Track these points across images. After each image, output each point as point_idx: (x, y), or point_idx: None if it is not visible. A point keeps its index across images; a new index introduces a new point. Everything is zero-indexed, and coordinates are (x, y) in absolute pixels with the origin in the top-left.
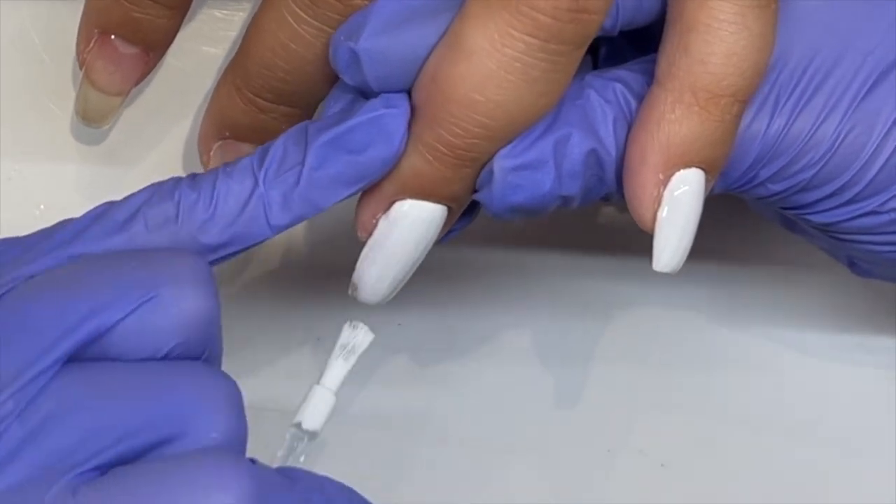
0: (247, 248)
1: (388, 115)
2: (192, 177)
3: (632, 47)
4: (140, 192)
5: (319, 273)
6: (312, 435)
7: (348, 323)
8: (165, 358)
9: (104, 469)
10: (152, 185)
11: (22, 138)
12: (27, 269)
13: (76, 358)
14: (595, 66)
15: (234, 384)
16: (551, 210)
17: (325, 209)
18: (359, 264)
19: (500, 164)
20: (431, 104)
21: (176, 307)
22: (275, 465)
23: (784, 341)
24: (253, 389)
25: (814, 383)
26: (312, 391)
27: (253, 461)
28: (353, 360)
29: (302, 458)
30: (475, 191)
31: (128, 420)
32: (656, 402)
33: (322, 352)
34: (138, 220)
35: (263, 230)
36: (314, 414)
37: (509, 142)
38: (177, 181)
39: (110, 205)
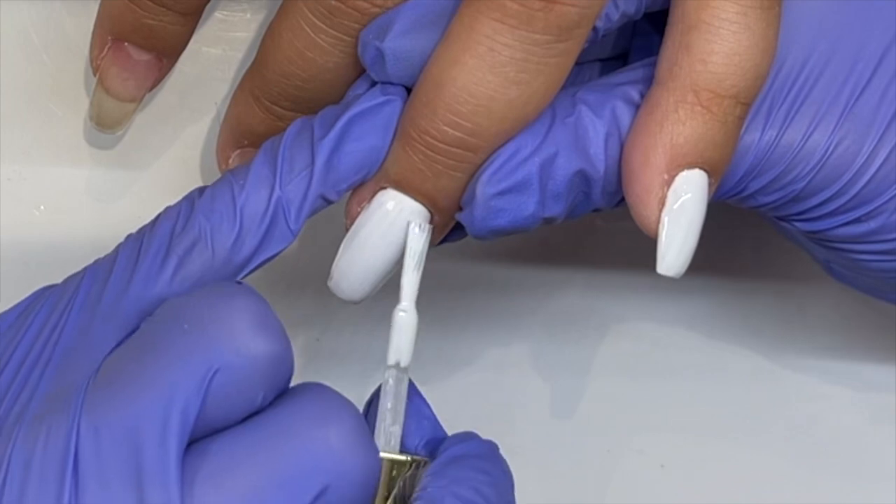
0: (272, 258)
1: (386, 102)
2: (206, 194)
3: (660, 35)
4: (160, 221)
5: (317, 273)
6: (407, 370)
7: (412, 224)
8: (261, 405)
9: None
10: (169, 212)
11: (21, 139)
12: (95, 348)
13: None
14: (626, 55)
15: (349, 403)
16: (533, 229)
17: (333, 202)
18: (337, 257)
19: (482, 189)
20: (414, 89)
21: (248, 366)
22: (387, 417)
23: (778, 354)
24: None
25: (810, 393)
26: (397, 319)
27: None
28: (423, 265)
29: (406, 400)
30: (459, 207)
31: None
32: (655, 407)
33: (321, 353)
34: (171, 257)
35: (286, 235)
36: (407, 346)
37: (483, 139)
38: (190, 202)
39: (137, 242)
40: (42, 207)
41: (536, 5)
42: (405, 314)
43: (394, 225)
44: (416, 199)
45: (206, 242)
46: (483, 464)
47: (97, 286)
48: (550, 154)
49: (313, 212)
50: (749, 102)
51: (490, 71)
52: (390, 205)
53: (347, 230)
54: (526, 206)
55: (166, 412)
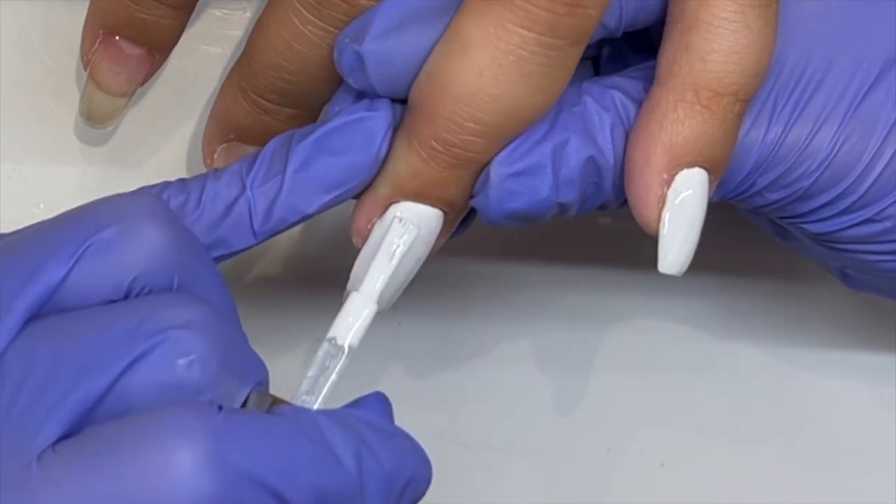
0: (231, 254)
1: (369, 117)
2: (182, 180)
3: (633, 51)
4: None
5: (318, 275)
6: (348, 350)
7: (397, 217)
8: (129, 296)
9: (76, 417)
10: (140, 189)
11: (22, 138)
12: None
13: (39, 315)
14: (597, 70)
15: (204, 305)
16: (548, 218)
17: (309, 215)
18: (353, 272)
19: (496, 169)
20: (427, 100)
21: (121, 240)
22: (303, 384)
23: (780, 352)
24: None
25: (809, 391)
26: (349, 299)
27: (221, 408)
28: (396, 261)
29: (333, 377)
30: (471, 196)
31: (82, 359)
32: (655, 406)
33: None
34: None
35: (248, 236)
36: (351, 326)
37: (504, 141)
38: (166, 184)
39: None
40: (41, 206)
41: (561, 10)
42: (360, 296)
43: (417, 236)
44: (435, 206)
45: None
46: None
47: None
48: (562, 140)
49: (285, 222)
50: (748, 99)
51: (520, 81)
52: (406, 216)
53: (359, 247)
54: (540, 189)
55: (29, 271)
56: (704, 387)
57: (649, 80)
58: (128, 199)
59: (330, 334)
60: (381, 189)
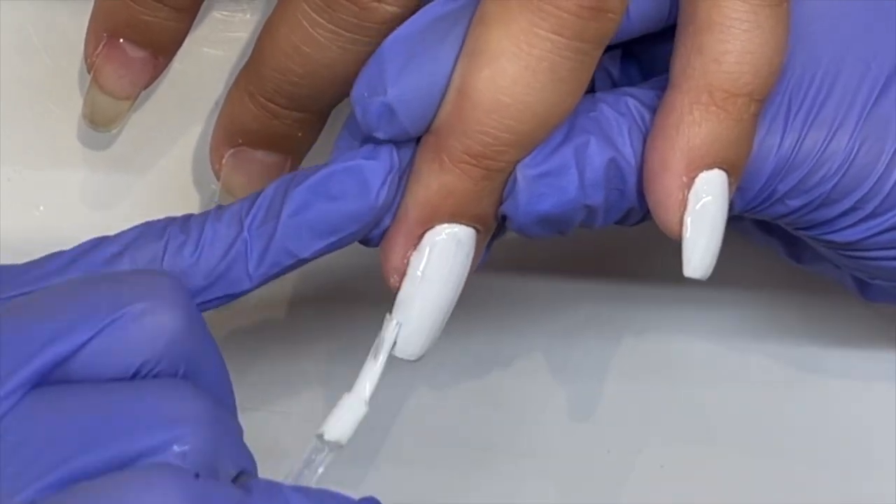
0: (227, 299)
1: (366, 165)
2: (185, 218)
3: (622, 75)
4: (132, 229)
5: (337, 293)
6: (335, 446)
7: (388, 314)
8: (135, 377)
9: (64, 485)
10: (145, 224)
11: (22, 139)
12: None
13: (45, 382)
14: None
15: (206, 400)
16: (575, 224)
17: (304, 260)
18: (394, 313)
19: (523, 172)
20: (457, 116)
21: (139, 323)
22: (289, 479)
23: (784, 356)
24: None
25: (815, 396)
26: (341, 400)
27: (197, 475)
28: (382, 359)
29: (320, 471)
30: (499, 203)
31: (83, 435)
32: (658, 409)
33: (334, 370)
34: (124, 258)
35: (243, 280)
36: (338, 424)
37: (533, 147)
38: (169, 221)
39: (101, 240)
40: (42, 208)
41: (587, 14)
42: (350, 397)
43: (456, 259)
44: (469, 225)
45: (161, 257)
46: None
47: (44, 264)
48: (583, 141)
49: (280, 266)
50: (762, 99)
51: (551, 86)
52: (450, 238)
53: (395, 287)
54: (568, 189)
55: (47, 337)
56: (705, 390)
57: (661, 89)
58: (150, 278)
59: (320, 430)
60: (415, 217)
